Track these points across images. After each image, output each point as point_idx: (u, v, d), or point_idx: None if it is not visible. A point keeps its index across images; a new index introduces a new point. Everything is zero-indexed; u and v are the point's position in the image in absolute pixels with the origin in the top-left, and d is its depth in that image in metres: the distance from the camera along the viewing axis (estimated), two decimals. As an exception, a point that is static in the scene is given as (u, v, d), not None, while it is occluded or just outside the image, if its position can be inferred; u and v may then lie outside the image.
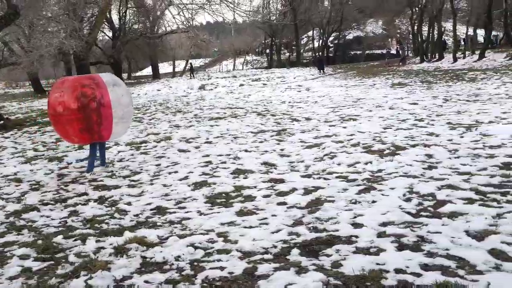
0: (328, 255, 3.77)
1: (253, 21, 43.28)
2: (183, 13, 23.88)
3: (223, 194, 5.82)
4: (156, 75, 49.10)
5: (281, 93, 20.99)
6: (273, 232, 4.36)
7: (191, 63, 47.61)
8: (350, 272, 3.43)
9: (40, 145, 10.69)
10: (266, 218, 4.78)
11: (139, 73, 64.80)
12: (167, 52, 53.64)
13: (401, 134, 8.85)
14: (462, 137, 8.15)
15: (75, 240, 4.53)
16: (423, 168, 6.30)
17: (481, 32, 41.43)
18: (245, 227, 4.56)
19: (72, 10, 22.13)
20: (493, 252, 3.61)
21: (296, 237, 4.20)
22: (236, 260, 3.81)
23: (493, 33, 42.96)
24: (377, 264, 3.54)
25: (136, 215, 5.24)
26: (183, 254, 3.98)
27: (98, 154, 7.86)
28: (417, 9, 42.88)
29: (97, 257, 4.05)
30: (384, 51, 48.90)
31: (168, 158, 8.34)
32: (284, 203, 5.26)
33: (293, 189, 5.78)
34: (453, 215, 4.45)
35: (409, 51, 49.78)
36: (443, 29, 40.40)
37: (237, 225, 4.65)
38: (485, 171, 5.92)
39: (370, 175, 6.19)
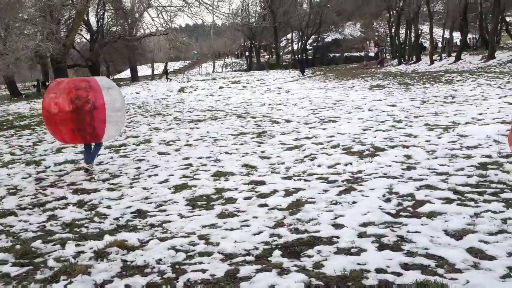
0: (309, 256, 3.79)
1: (232, 23, 43.38)
2: (162, 15, 23.79)
3: (204, 197, 5.80)
4: (135, 78, 48.70)
5: (261, 96, 21.03)
6: (254, 234, 4.36)
7: (165, 66, 47.20)
8: (332, 272, 3.45)
9: (17, 149, 10.49)
10: (247, 220, 4.78)
11: (117, 76, 64.18)
12: (146, 55, 53.33)
13: (380, 135, 8.96)
14: (439, 138, 8.28)
15: (54, 244, 4.46)
16: (402, 169, 6.38)
17: (457, 35, 42.21)
18: (226, 229, 4.55)
19: (48, 12, 21.84)
20: (471, 251, 3.67)
21: (278, 239, 4.21)
22: (217, 263, 3.80)
23: (471, 36, 43.83)
24: (358, 264, 3.57)
25: (116, 219, 5.18)
26: (164, 257, 3.95)
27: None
28: (394, 12, 43.46)
29: (77, 261, 3.99)
30: (363, 54, 49.33)
31: (148, 161, 8.28)
32: (265, 205, 5.26)
33: (274, 191, 5.79)
34: (432, 215, 4.52)
35: (387, 54, 50.38)
36: (420, 31, 41.01)
37: (218, 228, 4.63)
38: (462, 171, 6.03)
39: (350, 176, 6.24)
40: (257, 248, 4.03)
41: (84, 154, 7.81)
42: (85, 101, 7.04)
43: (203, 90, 28.02)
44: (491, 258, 3.54)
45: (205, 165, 7.63)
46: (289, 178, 6.41)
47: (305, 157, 7.63)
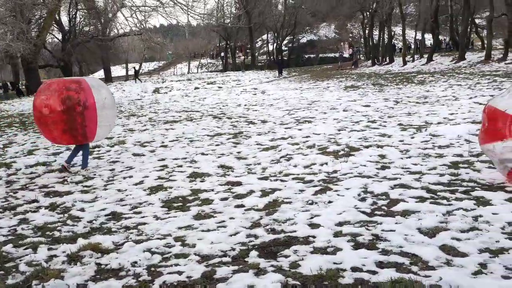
0: (286, 256, 3.80)
1: (207, 24, 43.20)
2: (136, 15, 23.54)
3: (180, 198, 5.76)
4: (108, 79, 47.99)
5: (237, 96, 21.02)
6: (231, 235, 4.34)
7: (134, 67, 46.56)
8: (308, 272, 3.46)
9: (-14, 151, 10.23)
10: (224, 221, 4.76)
11: (90, 77, 63.15)
12: (120, 55, 52.60)
13: (355, 135, 9.05)
14: (412, 137, 8.42)
15: (26, 248, 4.35)
16: (377, 168, 6.46)
17: (428, 37, 43.00)
18: (203, 231, 4.53)
19: (19, 12, 21.38)
20: (444, 248, 3.74)
21: (254, 239, 4.21)
22: (194, 264, 3.77)
23: (442, 38, 44.69)
24: (334, 263, 3.59)
25: (90, 221, 5.09)
26: (140, 259, 3.91)
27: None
28: (368, 13, 44.04)
29: (50, 265, 3.91)
30: (337, 55, 49.83)
31: (123, 162, 8.18)
32: (241, 206, 5.25)
33: (251, 192, 5.79)
34: (405, 213, 4.59)
35: (361, 55, 51.00)
36: (393, 33, 41.65)
37: (194, 229, 4.60)
38: (435, 170, 6.14)
39: (326, 176, 6.29)
40: (233, 249, 4.02)
41: (70, 155, 7.86)
42: (76, 102, 7.11)
43: (178, 91, 27.85)
44: (463, 255, 3.61)
45: (180, 166, 7.58)
46: (266, 178, 6.42)
47: (281, 157, 7.66)
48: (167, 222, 4.86)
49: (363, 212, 4.72)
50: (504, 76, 19.16)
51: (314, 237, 4.15)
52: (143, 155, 8.75)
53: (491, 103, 5.38)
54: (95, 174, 7.37)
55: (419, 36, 41.59)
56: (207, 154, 8.36)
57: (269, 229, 4.44)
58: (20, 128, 14.14)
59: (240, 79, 34.72)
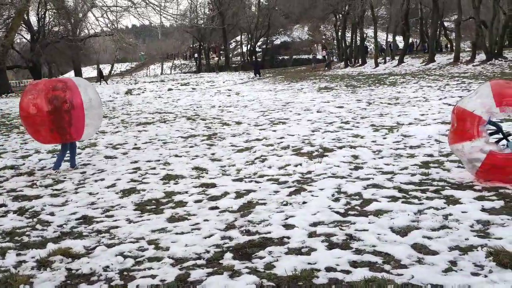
0: (261, 258, 3.80)
1: (180, 24, 42.89)
2: (107, 15, 23.16)
3: (153, 201, 5.69)
4: (79, 80, 47.08)
5: (211, 98, 20.95)
6: (205, 237, 4.32)
7: (99, 69, 45.79)
8: (283, 273, 3.47)
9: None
10: (198, 223, 4.73)
11: (60, 78, 61.96)
12: (91, 56, 51.80)
13: (328, 136, 9.13)
14: (385, 138, 8.54)
15: (-7, 254, 4.24)
16: (350, 169, 6.53)
17: (400, 39, 43.73)
18: (176, 233, 4.48)
19: (-14, 11, 20.81)
20: (416, 247, 3.80)
21: (229, 241, 4.19)
22: (168, 267, 3.74)
23: (413, 40, 45.48)
24: (309, 263, 3.61)
25: (60, 226, 4.99)
26: (112, 264, 3.84)
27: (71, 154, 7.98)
28: (340, 16, 44.52)
29: (18, 271, 3.81)
30: (311, 56, 50.23)
31: (94, 165, 8.04)
32: (216, 208, 5.23)
33: (225, 193, 5.77)
34: (378, 213, 4.64)
35: (334, 57, 51.51)
36: (365, 35, 42.21)
37: (168, 232, 4.56)
38: (406, 170, 6.24)
39: (300, 177, 6.32)
40: (208, 252, 3.99)
41: (57, 160, 7.80)
42: (63, 101, 7.19)
43: (151, 92, 27.56)
44: (434, 253, 3.67)
45: (154, 168, 7.50)
46: (240, 180, 6.41)
47: (255, 158, 7.66)
48: (140, 225, 4.80)
49: (337, 212, 4.76)
50: (472, 77, 19.64)
51: (288, 238, 4.16)
52: (115, 157, 8.62)
53: (460, 104, 5.50)
54: (65, 177, 7.23)
55: (390, 38, 42.27)
56: (180, 156, 8.30)
57: (244, 231, 4.43)
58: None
59: (214, 80, 34.64)
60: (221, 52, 61.63)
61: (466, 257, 3.55)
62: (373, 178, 5.95)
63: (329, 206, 4.98)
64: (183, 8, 53.96)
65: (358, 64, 39.42)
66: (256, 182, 6.23)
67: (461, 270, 3.37)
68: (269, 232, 4.32)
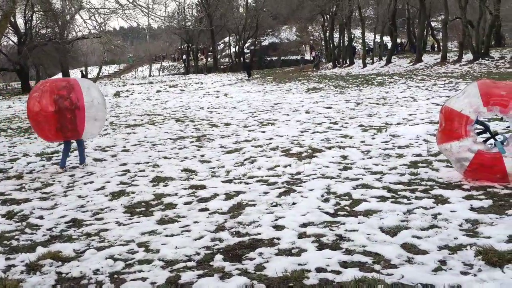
0: (251, 259, 3.80)
1: (168, 26, 42.74)
2: (94, 17, 22.94)
3: (143, 203, 5.67)
4: (67, 82, 46.73)
5: (200, 99, 20.91)
6: (195, 239, 4.31)
7: (82, 71, 45.50)
8: (273, 274, 3.47)
9: None
10: (188, 225, 4.72)
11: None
12: (79, 58, 51.40)
13: (317, 137, 9.15)
14: (373, 138, 8.58)
15: (-19, 259, 4.18)
16: (339, 169, 6.55)
17: (387, 39, 43.98)
18: (167, 236, 4.47)
19: (-29, 13, 20.52)
20: (405, 246, 3.82)
21: (219, 243, 4.19)
22: (158, 270, 3.72)
23: (401, 40, 45.73)
24: (299, 264, 3.61)
25: (50, 229, 4.94)
26: (102, 267, 3.82)
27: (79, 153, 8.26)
28: (328, 16, 44.66)
29: (7, 275, 3.77)
30: (299, 57, 50.35)
31: (83, 168, 7.98)
32: (206, 209, 5.22)
33: (215, 195, 5.76)
34: (368, 213, 4.67)
35: (322, 57, 51.67)
36: (352, 35, 42.41)
37: (158, 234, 4.54)
38: (395, 170, 6.28)
39: (290, 178, 6.33)
40: (198, 253, 3.98)
41: (62, 159, 8.04)
42: (67, 98, 7.48)
43: (140, 94, 27.46)
44: (424, 252, 3.70)
45: (143, 170, 7.46)
46: (230, 181, 6.40)
47: (245, 160, 7.66)
48: (130, 228, 4.77)
49: (327, 213, 4.77)
50: (459, 77, 19.82)
51: (278, 239, 4.17)
52: (104, 160, 8.57)
53: (448, 104, 5.55)
54: (54, 180, 7.17)
55: (378, 39, 42.51)
56: (170, 158, 8.28)
57: (234, 232, 4.43)
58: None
59: (203, 82, 34.59)
60: (209, 53, 61.52)
61: (456, 256, 3.58)
62: (362, 178, 5.97)
63: (318, 206, 4.99)
64: (171, 10, 53.78)
65: (346, 65, 39.59)
66: (246, 183, 6.23)
67: (450, 269, 3.39)
68: (259, 233, 4.32)
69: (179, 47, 67.09)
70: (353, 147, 7.95)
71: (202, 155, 8.32)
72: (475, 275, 3.27)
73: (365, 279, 3.26)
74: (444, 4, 29.10)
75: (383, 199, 5.10)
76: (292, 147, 8.27)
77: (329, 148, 7.99)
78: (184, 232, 4.55)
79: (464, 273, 3.32)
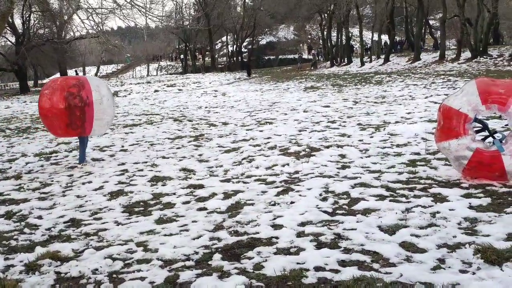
0: (249, 258, 3.79)
1: (166, 26, 42.69)
2: (92, 17, 22.89)
3: (141, 203, 5.66)
4: (64, 82, 46.60)
5: (197, 99, 20.90)
6: (194, 238, 4.30)
7: (76, 71, 45.39)
8: (272, 273, 3.47)
9: None
10: (186, 225, 4.72)
11: (46, 80, 61.19)
12: (77, 58, 51.35)
13: (315, 136, 9.15)
14: (371, 137, 8.58)
15: (-20, 260, 4.17)
16: (337, 168, 6.55)
17: (385, 38, 44.02)
18: (165, 235, 4.46)
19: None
20: (404, 245, 3.82)
21: (218, 242, 4.18)
22: (157, 269, 3.71)
23: (399, 38, 45.77)
24: (298, 263, 3.61)
25: (48, 229, 4.94)
26: (101, 266, 3.81)
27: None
28: (325, 15, 44.64)
29: (6, 275, 3.77)
30: (297, 56, 50.33)
31: (81, 167, 7.97)
32: (204, 209, 5.21)
33: (213, 194, 5.75)
34: (366, 212, 4.67)
35: (320, 56, 51.67)
36: (350, 34, 42.39)
37: (157, 234, 4.53)
38: (393, 169, 6.28)
39: (288, 177, 6.33)
40: (197, 253, 3.98)
41: (80, 155, 8.32)
42: (76, 95, 7.64)
43: (138, 93, 27.42)
44: (422, 251, 3.70)
45: (141, 170, 7.45)
46: (228, 180, 6.40)
47: (243, 159, 7.65)
48: (128, 228, 4.77)
49: (325, 212, 4.77)
50: (458, 75, 19.84)
51: (277, 238, 4.17)
52: (103, 159, 8.56)
53: (446, 102, 5.55)
54: (52, 180, 7.15)
55: (376, 37, 42.52)
56: (168, 158, 8.27)
57: (232, 231, 4.43)
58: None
59: (201, 81, 34.55)
60: (207, 53, 61.44)
61: (454, 255, 3.58)
62: (360, 177, 5.97)
63: (317, 205, 4.99)
64: (169, 10, 53.72)
65: (344, 63, 39.59)
66: (244, 182, 6.22)
67: (449, 267, 3.40)
68: (258, 233, 4.32)
69: (177, 47, 67.01)
70: (351, 145, 7.95)
71: (200, 155, 8.31)
72: (474, 273, 3.28)
73: (363, 278, 3.26)
74: (442, 2, 29.12)
75: (381, 197, 5.10)
76: (290, 146, 8.27)
77: (327, 147, 7.99)
78: (182, 231, 4.54)
79: (463, 272, 3.32)
